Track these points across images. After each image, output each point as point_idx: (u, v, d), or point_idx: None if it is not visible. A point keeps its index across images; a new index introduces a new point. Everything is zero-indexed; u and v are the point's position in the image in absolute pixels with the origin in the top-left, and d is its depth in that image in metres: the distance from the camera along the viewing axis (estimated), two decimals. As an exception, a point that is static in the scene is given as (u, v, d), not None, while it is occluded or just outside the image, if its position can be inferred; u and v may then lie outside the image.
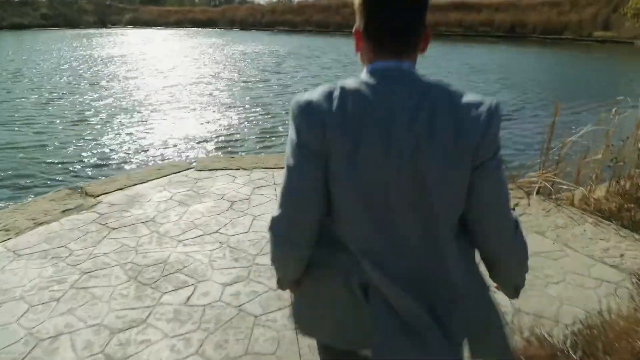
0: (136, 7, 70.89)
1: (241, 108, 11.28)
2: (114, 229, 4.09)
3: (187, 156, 7.75)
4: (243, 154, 7.83)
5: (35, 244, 3.76)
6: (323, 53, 25.54)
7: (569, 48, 28.49)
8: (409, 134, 0.97)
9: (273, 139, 8.72)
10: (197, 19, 55.10)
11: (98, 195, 4.82)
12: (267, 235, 1.16)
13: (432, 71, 17.04)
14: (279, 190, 1.11)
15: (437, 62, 19.60)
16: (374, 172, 1.01)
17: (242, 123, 9.86)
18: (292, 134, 1.05)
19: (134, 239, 3.89)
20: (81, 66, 20.13)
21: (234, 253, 3.69)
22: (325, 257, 1.14)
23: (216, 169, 5.59)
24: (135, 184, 5.12)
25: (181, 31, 48.00)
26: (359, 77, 1.06)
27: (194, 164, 5.86)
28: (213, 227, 4.12)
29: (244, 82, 15.47)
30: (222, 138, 8.76)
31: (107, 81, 16.09)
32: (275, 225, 1.13)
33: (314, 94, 1.04)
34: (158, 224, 4.19)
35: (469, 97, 1.00)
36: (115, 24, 62.73)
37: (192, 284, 3.24)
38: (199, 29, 48.90)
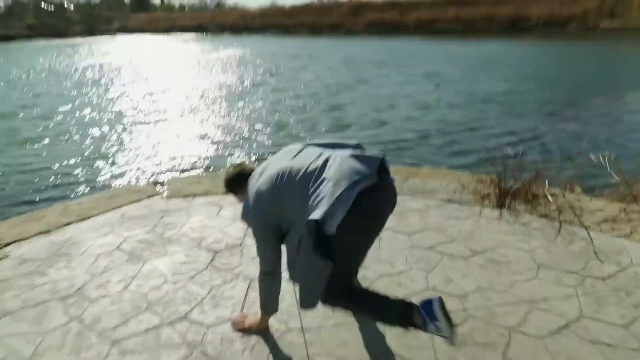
0: (125, 15, 69.22)
1: (232, 116, 9.54)
2: (10, 313, 2.36)
3: (155, 177, 5.80)
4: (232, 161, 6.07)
5: None
6: (317, 53, 23.85)
7: (576, 39, 27.02)
8: None
9: (272, 151, 7.00)
10: (187, 25, 53.50)
11: (7, 245, 3.08)
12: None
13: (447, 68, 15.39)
14: None
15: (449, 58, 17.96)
16: None
17: (231, 133, 8.11)
18: (254, 231, 1.97)
19: (34, 337, 2.15)
20: (44, 77, 18.27)
21: (213, 369, 1.97)
22: None
23: (193, 195, 3.86)
24: (69, 223, 3.38)
25: (171, 37, 46.27)
26: None
27: (163, 187, 4.12)
28: (179, 308, 2.39)
29: (235, 88, 13.73)
30: (206, 152, 6.95)
31: (71, 91, 14.29)
32: None
33: None
34: (86, 301, 2.45)
35: None
36: (104, 32, 60.93)
37: None
38: (189, 36, 47.18)
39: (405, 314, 1.83)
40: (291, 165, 1.78)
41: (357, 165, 1.69)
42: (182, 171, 6.03)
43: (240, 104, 10.84)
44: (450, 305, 2.34)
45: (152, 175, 5.86)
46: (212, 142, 7.35)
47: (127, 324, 2.27)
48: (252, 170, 2.01)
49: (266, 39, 36.08)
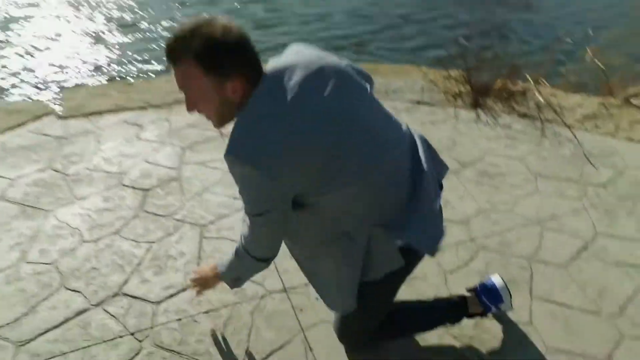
0: None
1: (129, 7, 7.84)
2: None
3: (42, 90, 4.35)
4: (149, 75, 4.95)
5: None
6: None
7: None
8: None
9: None
10: None
11: None
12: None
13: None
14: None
15: None
16: None
17: (136, 29, 6.66)
18: (255, 196, 1.07)
19: None
20: None
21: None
22: None
23: (100, 112, 2.95)
24: None
25: None
26: None
27: (57, 104, 3.12)
28: (109, 280, 1.74)
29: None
30: (107, 54, 5.56)
31: None
32: None
33: None
34: (-37, 284, 1.70)
35: None
36: None
37: None
38: None
39: (459, 311, 1.50)
40: (365, 117, 1.04)
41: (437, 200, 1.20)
42: (78, 82, 4.76)
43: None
44: (455, 236, 1.95)
45: (37, 88, 4.56)
46: (112, 42, 5.96)
47: (34, 313, 1.59)
48: (255, 50, 1.01)
49: None
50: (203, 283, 1.38)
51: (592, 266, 1.84)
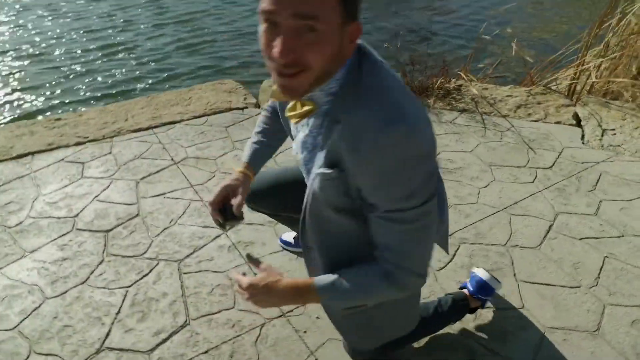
0: None
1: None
2: None
3: None
4: (81, 109, 4.58)
5: None
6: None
7: None
8: None
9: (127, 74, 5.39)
10: None
11: None
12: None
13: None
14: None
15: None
16: None
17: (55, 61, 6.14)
18: (427, 176, 0.80)
19: None
20: None
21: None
22: None
23: (32, 153, 2.67)
24: None
25: None
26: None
27: (-26, 148, 2.78)
28: (87, 336, 1.56)
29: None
30: (27, 89, 5.08)
31: None
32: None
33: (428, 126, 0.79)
34: None
35: None
36: None
37: None
38: None
39: (462, 308, 1.56)
40: None
41: None
42: (9, 116, 4.27)
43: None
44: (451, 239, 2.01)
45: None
46: (24, 74, 5.44)
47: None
48: None
49: None
50: (262, 299, 0.96)
51: (561, 244, 1.98)
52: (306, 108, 0.85)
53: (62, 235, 2.01)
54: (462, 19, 7.58)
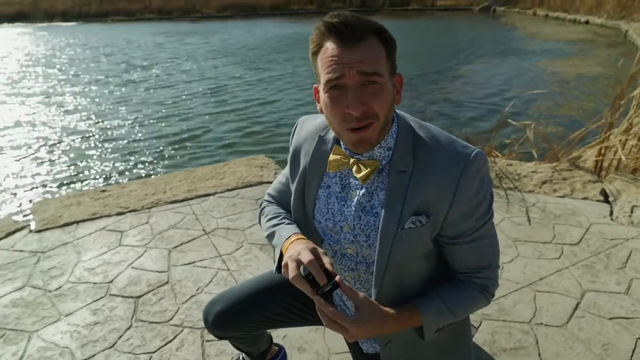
0: None
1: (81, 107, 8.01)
2: None
3: (10, 206, 4.28)
4: (122, 180, 4.95)
5: None
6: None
7: (417, 17, 29.44)
8: None
9: (175, 146, 5.85)
10: (2, 13, 44.95)
11: None
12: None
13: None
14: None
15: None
16: None
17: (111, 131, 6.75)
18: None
19: None
20: None
21: None
22: None
23: (77, 222, 2.88)
24: None
25: (-19, 29, 38.19)
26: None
27: (27, 217, 3.03)
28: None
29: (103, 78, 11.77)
30: (76, 161, 5.58)
31: None
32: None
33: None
34: None
35: None
36: None
37: None
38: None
39: None
40: None
41: None
42: (47, 192, 4.67)
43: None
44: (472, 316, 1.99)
45: (4, 203, 4.43)
46: (82, 149, 5.97)
47: None
48: None
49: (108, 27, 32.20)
50: (367, 335, 0.91)
51: (590, 323, 1.92)
52: (371, 163, 0.96)
53: (96, 300, 2.13)
54: (488, 97, 7.83)
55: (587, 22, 16.67)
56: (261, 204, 1.28)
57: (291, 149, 1.14)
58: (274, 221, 1.15)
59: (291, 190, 1.13)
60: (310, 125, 1.12)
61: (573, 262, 2.33)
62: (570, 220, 2.74)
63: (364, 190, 1.00)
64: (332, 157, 1.00)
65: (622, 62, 7.66)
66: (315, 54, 0.91)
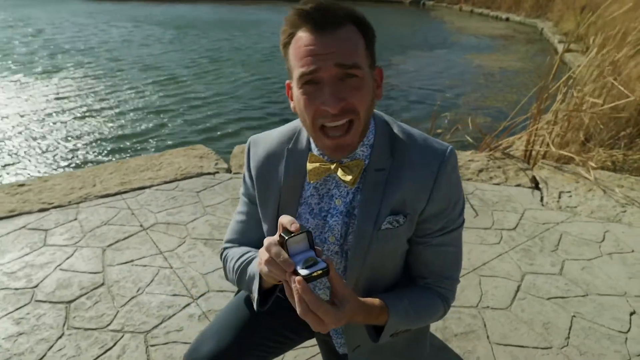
0: None
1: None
2: None
3: None
4: (40, 172, 4.48)
5: None
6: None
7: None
8: None
9: (94, 137, 5.39)
10: None
11: None
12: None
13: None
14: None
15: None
16: None
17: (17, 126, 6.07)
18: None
19: None
20: None
21: None
22: None
23: (-9, 220, 2.56)
24: None
25: None
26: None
27: None
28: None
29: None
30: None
31: None
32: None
33: None
34: None
35: None
36: None
37: None
38: None
39: None
40: None
41: None
42: None
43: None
44: None
45: None
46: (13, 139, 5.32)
47: None
48: None
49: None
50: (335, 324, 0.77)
51: (531, 304, 2.02)
52: (356, 164, 0.88)
53: (19, 307, 1.90)
54: (418, 87, 8.09)
55: (507, 19, 17.74)
56: (221, 254, 1.11)
57: (252, 174, 1.00)
58: (243, 258, 1.00)
59: (260, 219, 1.02)
60: (267, 143, 1.00)
61: (512, 247, 2.46)
62: (506, 207, 2.89)
63: (350, 195, 0.93)
64: (310, 165, 0.90)
65: (539, 59, 8.22)
66: (287, 45, 0.82)
